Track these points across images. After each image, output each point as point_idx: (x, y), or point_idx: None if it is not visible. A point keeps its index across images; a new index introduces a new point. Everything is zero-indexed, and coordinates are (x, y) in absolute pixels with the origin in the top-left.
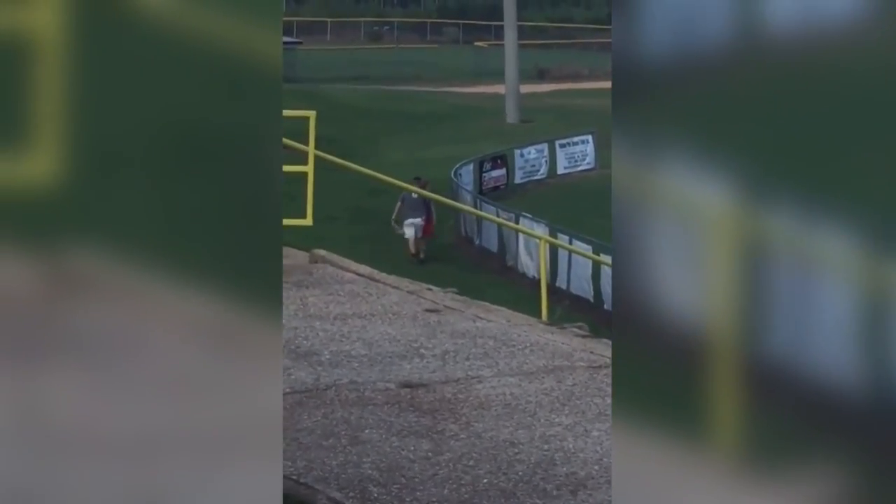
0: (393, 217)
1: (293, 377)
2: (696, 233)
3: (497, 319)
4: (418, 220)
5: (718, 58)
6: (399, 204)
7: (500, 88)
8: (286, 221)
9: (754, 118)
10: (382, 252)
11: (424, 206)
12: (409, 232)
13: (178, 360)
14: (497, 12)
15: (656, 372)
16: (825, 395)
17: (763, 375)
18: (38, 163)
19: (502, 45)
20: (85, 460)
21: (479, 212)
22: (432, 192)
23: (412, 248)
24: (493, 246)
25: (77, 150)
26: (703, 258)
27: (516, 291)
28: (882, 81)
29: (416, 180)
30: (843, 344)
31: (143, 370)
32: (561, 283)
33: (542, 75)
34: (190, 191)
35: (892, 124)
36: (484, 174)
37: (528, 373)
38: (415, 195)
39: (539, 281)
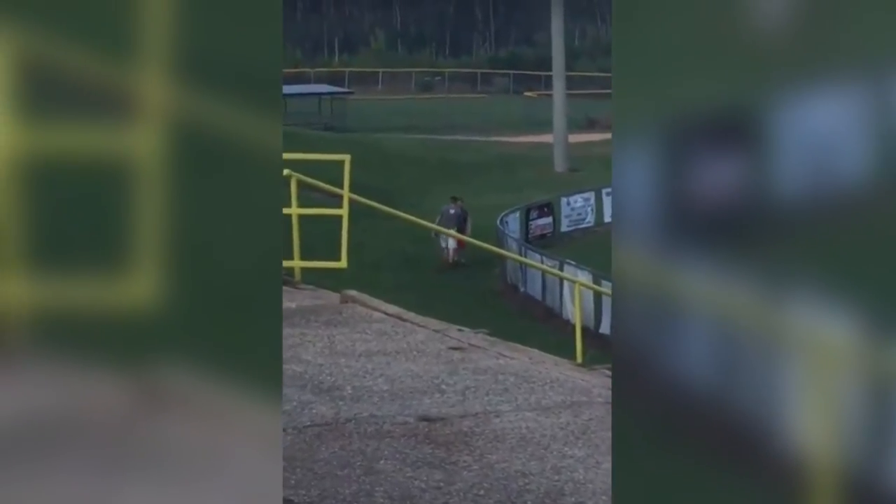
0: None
1: (314, 411)
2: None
3: (520, 357)
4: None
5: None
6: (438, 218)
7: (548, 138)
8: (322, 264)
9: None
10: (427, 298)
11: (460, 220)
12: (445, 242)
13: (257, 479)
14: (547, 63)
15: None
16: None
17: None
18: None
19: (551, 94)
20: None
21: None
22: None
23: (448, 257)
24: (538, 293)
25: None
26: None
27: (558, 337)
28: None
29: (453, 199)
30: None
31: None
32: (605, 329)
33: (591, 125)
34: None
35: None
36: (530, 222)
37: (546, 407)
38: (452, 210)
39: (582, 327)
